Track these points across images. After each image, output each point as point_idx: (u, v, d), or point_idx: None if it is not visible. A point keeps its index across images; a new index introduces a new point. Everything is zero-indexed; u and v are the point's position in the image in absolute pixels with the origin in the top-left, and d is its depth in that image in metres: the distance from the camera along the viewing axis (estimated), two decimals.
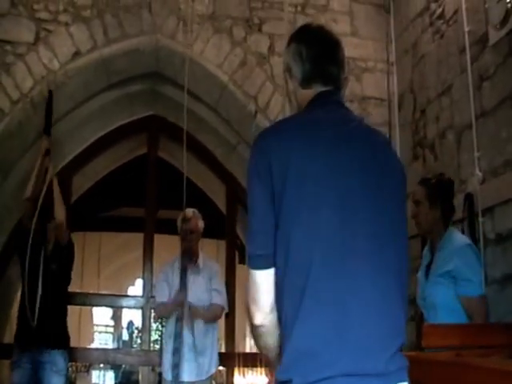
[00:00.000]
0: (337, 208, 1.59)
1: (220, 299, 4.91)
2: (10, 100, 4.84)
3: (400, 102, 5.15)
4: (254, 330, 1.69)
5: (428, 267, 3.27)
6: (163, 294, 4.83)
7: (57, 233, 4.66)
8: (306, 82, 1.80)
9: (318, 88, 1.79)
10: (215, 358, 4.91)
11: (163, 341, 5.08)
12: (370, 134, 1.76)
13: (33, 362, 4.61)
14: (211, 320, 4.88)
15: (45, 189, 4.60)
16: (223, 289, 5.02)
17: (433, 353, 2.75)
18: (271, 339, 1.67)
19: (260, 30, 5.09)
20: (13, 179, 5.26)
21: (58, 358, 4.63)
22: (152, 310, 5.91)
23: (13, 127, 4.91)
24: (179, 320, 4.66)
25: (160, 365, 5.04)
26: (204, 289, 4.84)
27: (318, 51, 1.80)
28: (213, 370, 4.90)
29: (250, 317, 1.67)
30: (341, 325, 1.53)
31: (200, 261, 4.92)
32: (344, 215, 1.59)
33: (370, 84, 5.17)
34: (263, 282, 1.62)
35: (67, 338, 4.82)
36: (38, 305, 4.51)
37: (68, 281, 4.86)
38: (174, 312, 4.71)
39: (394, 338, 1.58)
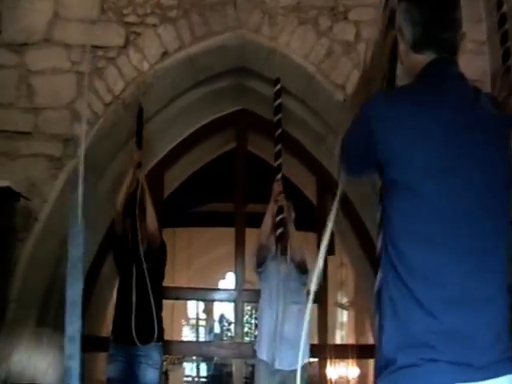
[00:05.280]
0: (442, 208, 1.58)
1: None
2: (102, 103, 5.02)
3: (493, 83, 4.97)
4: None
5: None
6: None
7: (150, 240, 4.80)
8: (417, 47, 1.70)
9: (430, 55, 1.68)
10: (306, 349, 4.91)
11: (259, 323, 5.13)
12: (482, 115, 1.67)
13: (128, 355, 4.74)
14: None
15: (138, 201, 4.73)
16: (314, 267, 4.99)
17: None
18: None
19: (346, 18, 5.02)
20: (107, 179, 5.43)
21: (153, 352, 4.75)
22: (244, 304, 6.00)
23: (106, 129, 5.08)
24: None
25: (253, 356, 5.08)
26: (293, 277, 4.88)
27: (431, 14, 1.67)
28: (305, 361, 4.88)
29: None
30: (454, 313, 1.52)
31: (288, 251, 4.96)
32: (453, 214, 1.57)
33: (461, 66, 5.00)
34: None
35: (162, 331, 4.94)
36: (134, 304, 4.66)
37: (161, 278, 5.00)
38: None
39: (502, 330, 1.56)
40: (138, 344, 4.65)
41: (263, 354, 4.83)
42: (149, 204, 4.79)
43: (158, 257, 4.91)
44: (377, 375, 1.60)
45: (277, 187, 4.79)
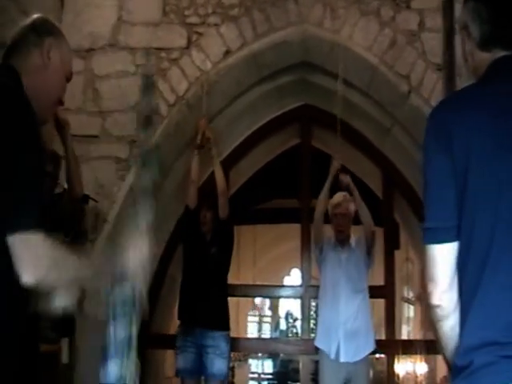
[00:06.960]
0: None
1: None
2: (167, 103, 5.09)
3: None
4: (432, 314, 1.59)
5: None
6: None
7: (220, 204, 4.94)
8: (484, 45, 1.67)
9: (497, 53, 1.65)
10: (370, 339, 4.86)
11: (318, 318, 5.14)
12: None
13: (196, 346, 4.79)
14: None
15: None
16: None
17: None
18: (448, 325, 1.56)
19: (408, 6, 4.93)
20: (172, 179, 5.48)
21: (220, 341, 4.78)
22: (311, 300, 5.96)
23: (171, 129, 5.14)
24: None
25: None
26: (356, 267, 4.89)
27: (499, 11, 1.66)
28: (367, 352, 4.83)
29: (427, 297, 1.59)
30: None
31: (352, 241, 4.94)
32: None
33: None
34: (438, 256, 1.54)
35: (227, 319, 4.95)
36: (198, 288, 4.75)
37: (228, 264, 5.05)
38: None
39: None
40: (203, 328, 4.73)
41: (323, 345, 4.82)
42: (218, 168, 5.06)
43: (225, 239, 5.01)
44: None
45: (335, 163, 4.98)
